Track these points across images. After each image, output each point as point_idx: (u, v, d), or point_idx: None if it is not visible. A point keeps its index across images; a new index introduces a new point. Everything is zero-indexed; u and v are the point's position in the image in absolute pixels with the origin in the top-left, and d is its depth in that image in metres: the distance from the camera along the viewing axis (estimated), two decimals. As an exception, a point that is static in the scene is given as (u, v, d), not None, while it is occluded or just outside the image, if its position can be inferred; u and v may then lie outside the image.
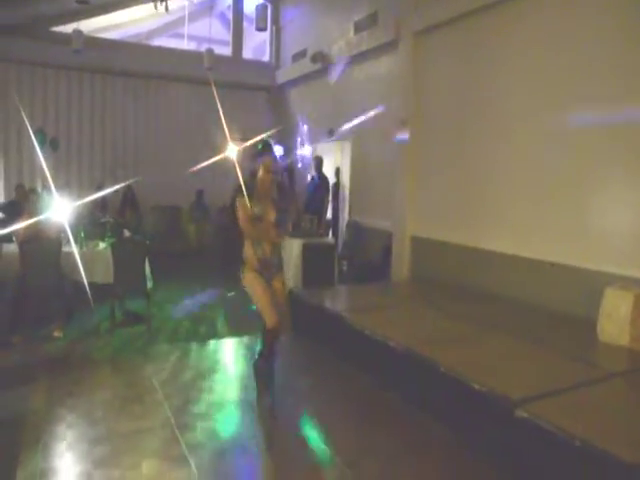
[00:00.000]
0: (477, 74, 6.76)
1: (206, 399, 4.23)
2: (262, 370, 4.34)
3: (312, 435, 3.79)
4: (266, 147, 4.27)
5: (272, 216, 4.15)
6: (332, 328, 5.40)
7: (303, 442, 3.68)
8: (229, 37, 12.90)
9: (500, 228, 6.38)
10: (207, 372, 4.79)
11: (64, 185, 9.61)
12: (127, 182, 10.01)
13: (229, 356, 5.45)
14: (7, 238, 5.65)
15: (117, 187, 9.85)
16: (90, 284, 5.82)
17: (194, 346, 5.51)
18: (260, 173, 4.17)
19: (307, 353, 5.54)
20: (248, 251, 4.16)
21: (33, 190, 5.69)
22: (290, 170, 9.10)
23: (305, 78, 11.23)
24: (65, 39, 9.87)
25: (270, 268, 4.18)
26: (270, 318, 4.11)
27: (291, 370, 4.99)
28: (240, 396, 4.37)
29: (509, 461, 3.34)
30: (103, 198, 9.47)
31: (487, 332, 4.88)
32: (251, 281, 4.14)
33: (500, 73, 6.41)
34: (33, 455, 3.31)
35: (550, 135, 5.76)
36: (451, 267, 6.98)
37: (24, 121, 10.24)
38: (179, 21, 12.97)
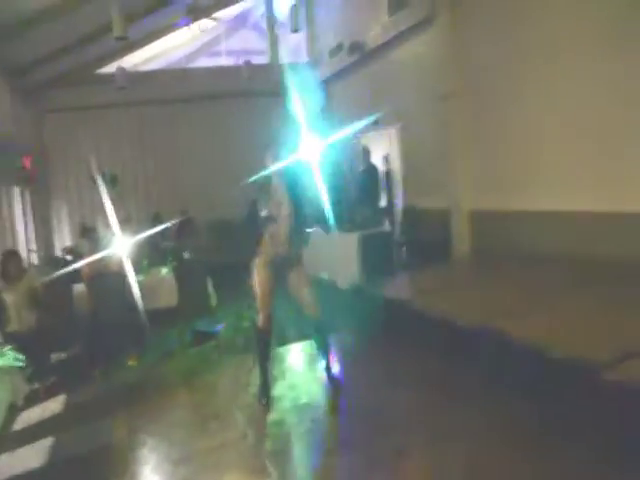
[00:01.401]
0: (518, 37, 6.46)
1: (279, 407, 4.23)
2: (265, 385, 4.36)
3: (393, 424, 3.72)
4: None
5: (286, 211, 4.15)
6: (400, 316, 5.28)
7: (384, 434, 3.61)
8: (266, 45, 12.98)
9: (560, 186, 6.04)
10: (277, 380, 4.79)
11: (125, 219, 9.99)
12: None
13: (298, 362, 5.44)
14: (75, 278, 5.91)
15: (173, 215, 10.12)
16: (158, 309, 6.05)
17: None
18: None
19: (377, 345, 5.44)
20: (265, 245, 4.21)
21: (93, 229, 5.90)
22: (338, 165, 9.00)
23: (344, 72, 11.12)
24: (109, 78, 10.25)
25: (287, 263, 4.24)
26: (263, 317, 4.20)
27: (363, 362, 4.98)
28: (312, 400, 4.34)
29: (600, 433, 3.12)
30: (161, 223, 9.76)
31: (562, 296, 4.63)
32: (259, 273, 4.22)
33: (543, 33, 6.10)
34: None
35: (603, 85, 5.41)
36: (514, 235, 6.67)
37: (82, 164, 10.76)
38: (216, 39, 13.24)
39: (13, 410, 4.61)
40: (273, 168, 4.19)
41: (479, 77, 7.18)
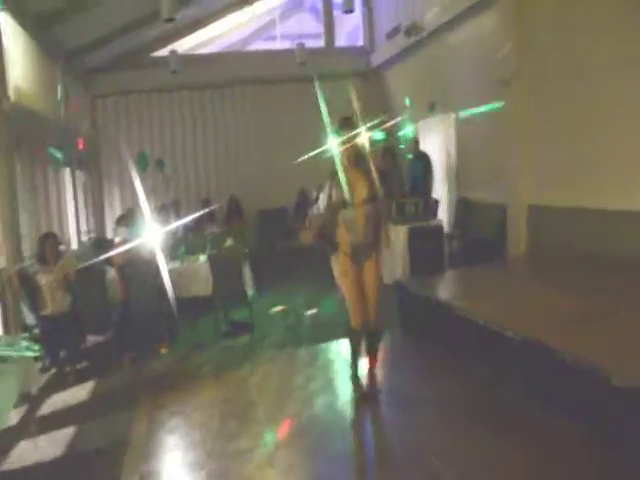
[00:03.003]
0: (589, 18, 5.88)
1: (305, 413, 3.96)
2: (355, 377, 4.13)
3: (428, 444, 3.37)
4: (345, 125, 3.91)
5: (362, 195, 3.84)
6: (446, 320, 4.85)
7: (418, 453, 3.28)
8: (321, 28, 12.64)
9: (629, 185, 5.45)
10: (307, 382, 4.50)
11: (173, 203, 9.98)
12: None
13: (330, 363, 5.08)
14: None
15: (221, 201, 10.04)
16: (193, 298, 5.89)
17: (296, 353, 5.26)
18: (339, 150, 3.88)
19: (418, 351, 5.08)
20: (341, 234, 3.90)
21: (128, 215, 5.79)
22: (392, 154, 8.58)
23: (401, 55, 10.65)
24: (163, 62, 10.18)
25: (363, 252, 3.91)
26: (356, 317, 3.89)
27: (402, 371, 4.61)
28: (341, 409, 4.03)
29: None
30: (210, 209, 9.67)
31: (623, 306, 4.11)
32: (341, 271, 3.95)
33: (618, 13, 5.51)
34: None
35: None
36: (575, 235, 6.10)
37: (132, 147, 10.82)
38: (271, 23, 12.99)
39: (26, 399, 4.54)
40: (341, 150, 3.89)
41: (544, 61, 6.59)
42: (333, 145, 3.96)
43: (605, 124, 5.78)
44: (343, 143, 3.89)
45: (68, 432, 4.04)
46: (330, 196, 3.89)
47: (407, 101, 9.35)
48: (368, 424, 3.89)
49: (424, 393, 4.10)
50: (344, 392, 4.25)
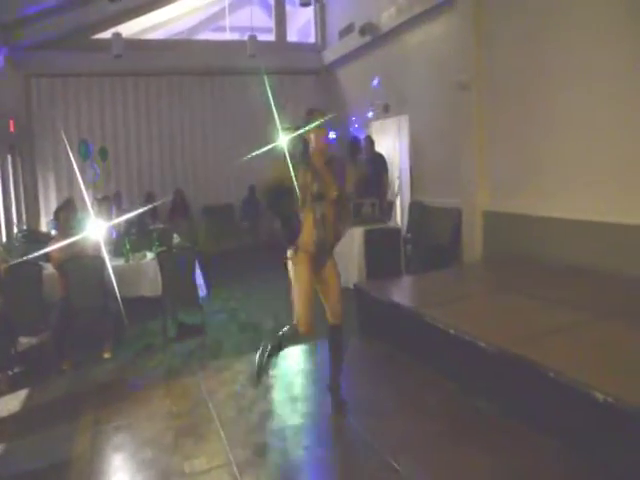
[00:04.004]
0: (544, 26, 5.91)
1: (267, 427, 3.68)
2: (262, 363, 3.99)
3: (398, 461, 3.15)
4: (314, 115, 3.67)
5: (334, 192, 3.59)
6: (406, 326, 4.72)
7: (388, 471, 3.06)
8: (272, 23, 12.33)
9: (586, 193, 5.50)
10: (267, 391, 4.25)
11: (114, 196, 9.40)
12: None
13: (291, 370, 4.83)
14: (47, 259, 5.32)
15: (165, 196, 9.59)
16: (139, 298, 5.48)
17: (252, 360, 4.90)
18: (312, 138, 3.63)
19: (378, 357, 4.88)
20: (307, 230, 3.60)
21: (64, 207, 5.28)
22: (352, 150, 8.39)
23: (354, 55, 10.53)
24: (106, 45, 9.56)
25: (326, 251, 3.67)
26: (304, 322, 3.62)
27: (363, 378, 4.40)
28: (307, 421, 3.78)
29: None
30: (153, 204, 9.18)
31: (593, 318, 4.07)
32: (299, 271, 3.65)
33: (568, 24, 5.57)
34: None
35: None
36: (530, 242, 6.14)
37: (70, 133, 10.10)
38: (220, 14, 12.57)
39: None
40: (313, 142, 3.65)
41: (503, 67, 6.60)
42: (290, 138, 3.73)
43: (558, 131, 5.83)
44: (315, 135, 3.64)
45: (-3, 450, 3.61)
46: (306, 187, 3.59)
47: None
48: (338, 437, 3.64)
49: (391, 403, 3.92)
50: (308, 403, 4.01)
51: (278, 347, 3.98)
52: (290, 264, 3.72)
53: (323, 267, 3.69)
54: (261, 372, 4.06)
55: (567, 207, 5.69)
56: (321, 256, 3.67)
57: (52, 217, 6.26)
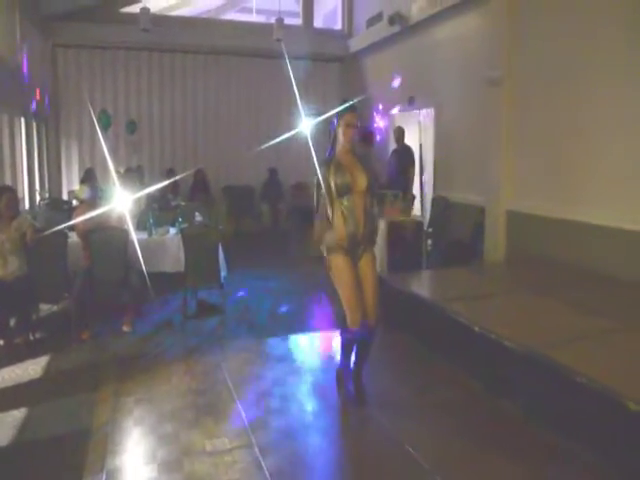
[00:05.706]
0: (578, 25, 5.79)
1: (288, 411, 3.67)
2: (340, 377, 3.90)
3: (416, 457, 3.11)
4: (348, 106, 3.66)
5: (363, 183, 3.56)
6: (430, 320, 4.68)
7: (405, 465, 3.04)
8: (299, 7, 12.22)
9: (614, 199, 5.42)
10: (287, 375, 4.22)
11: (137, 169, 9.39)
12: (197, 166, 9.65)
13: (311, 355, 4.82)
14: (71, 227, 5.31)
15: (187, 173, 9.56)
16: (160, 274, 5.47)
17: (272, 342, 4.94)
18: (340, 131, 3.60)
19: (401, 349, 4.84)
20: (338, 225, 3.55)
21: (88, 179, 5.27)
22: (368, 142, 8.33)
23: (381, 44, 10.38)
24: (134, 19, 9.50)
25: (360, 245, 3.61)
26: (353, 316, 3.57)
27: (386, 371, 4.35)
28: (325, 406, 3.77)
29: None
30: (174, 181, 9.16)
31: (623, 327, 3.99)
32: (339, 267, 3.58)
33: (604, 23, 5.43)
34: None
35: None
36: (554, 245, 6.06)
37: (94, 105, 10.06)
38: (247, -6, 12.45)
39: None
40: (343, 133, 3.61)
41: (534, 65, 6.47)
42: (334, 127, 3.69)
43: (589, 135, 5.72)
44: (347, 126, 3.61)
45: (19, 415, 3.62)
46: (329, 185, 3.55)
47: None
48: (356, 428, 3.61)
49: (414, 398, 3.89)
50: (327, 389, 3.98)
51: (345, 347, 3.85)
52: (328, 262, 3.64)
53: (359, 261, 3.65)
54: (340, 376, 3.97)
55: (592, 212, 5.60)
56: (355, 250, 3.62)
57: (81, 182, 6.17)
